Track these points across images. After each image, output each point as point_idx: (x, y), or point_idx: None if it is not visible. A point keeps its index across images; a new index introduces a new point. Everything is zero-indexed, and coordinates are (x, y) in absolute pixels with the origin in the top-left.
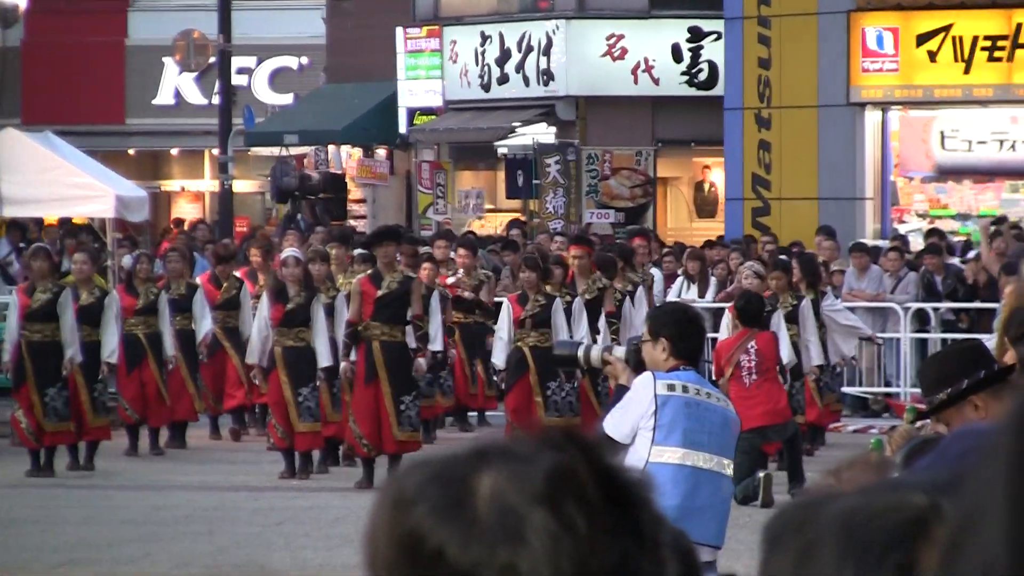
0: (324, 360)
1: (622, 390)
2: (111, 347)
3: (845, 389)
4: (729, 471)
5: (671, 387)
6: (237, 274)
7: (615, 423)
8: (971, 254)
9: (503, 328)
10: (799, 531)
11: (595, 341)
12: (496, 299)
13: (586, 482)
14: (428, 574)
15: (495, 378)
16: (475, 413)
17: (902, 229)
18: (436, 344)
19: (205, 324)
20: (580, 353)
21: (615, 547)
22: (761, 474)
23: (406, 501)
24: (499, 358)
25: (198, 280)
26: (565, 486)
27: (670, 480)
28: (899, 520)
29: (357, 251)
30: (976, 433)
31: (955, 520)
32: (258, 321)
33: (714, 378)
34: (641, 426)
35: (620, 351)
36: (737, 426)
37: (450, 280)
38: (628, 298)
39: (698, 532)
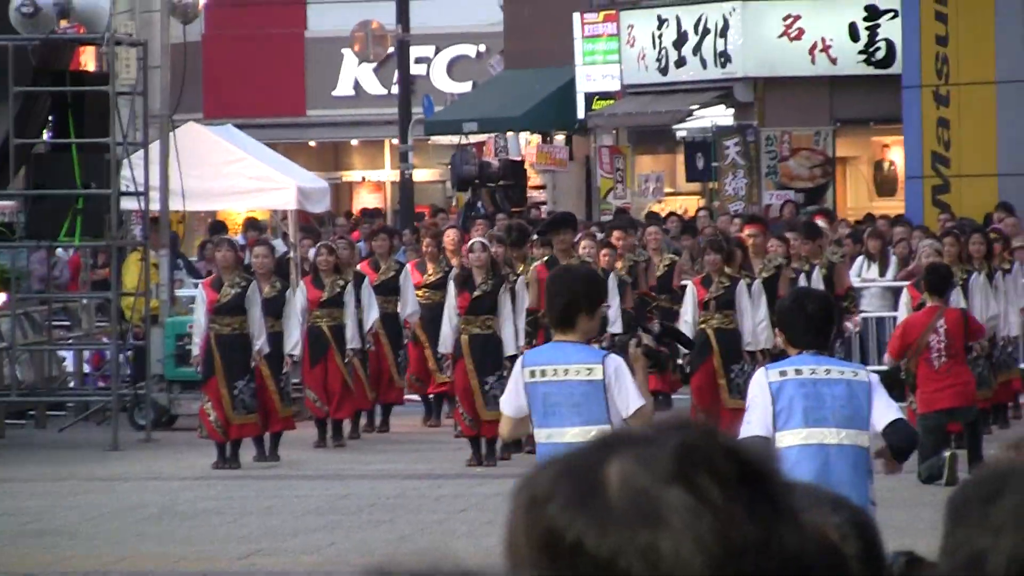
0: (511, 348)
1: None
2: (294, 339)
3: None
4: (864, 441)
5: (783, 373)
6: (400, 259)
7: (753, 425)
8: None
9: (687, 311)
10: (987, 502)
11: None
12: (683, 283)
13: (715, 456)
14: (571, 569)
15: (680, 361)
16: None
17: None
18: (616, 327)
19: (373, 313)
20: None
21: (755, 520)
22: (947, 453)
23: (539, 500)
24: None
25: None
26: (695, 461)
27: (796, 460)
28: None
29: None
30: None
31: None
32: (447, 310)
33: (889, 355)
34: (768, 420)
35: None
36: (870, 390)
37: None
38: (805, 276)
39: None
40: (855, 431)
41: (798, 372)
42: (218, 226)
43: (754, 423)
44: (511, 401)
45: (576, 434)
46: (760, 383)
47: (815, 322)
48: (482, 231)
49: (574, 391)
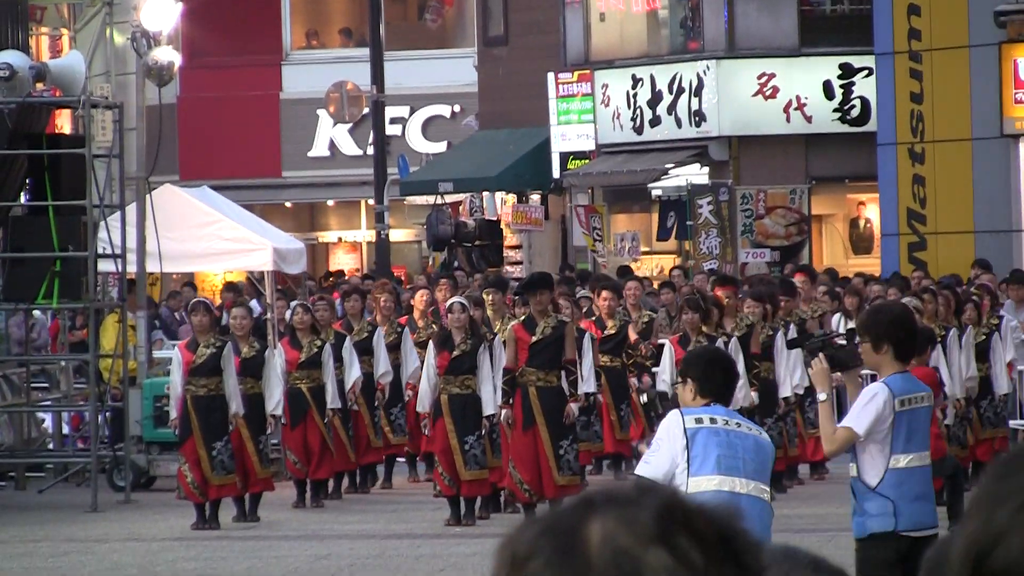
0: (490, 407)
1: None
2: (276, 399)
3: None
4: (767, 496)
5: (699, 420)
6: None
7: (652, 465)
8: None
9: (665, 370)
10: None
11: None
12: (659, 340)
13: (695, 517)
14: None
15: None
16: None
17: None
18: (589, 386)
19: (355, 372)
20: (657, 398)
21: None
22: None
23: (520, 558)
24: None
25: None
26: (676, 523)
27: None
28: None
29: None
30: None
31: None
32: (427, 369)
33: None
34: (676, 462)
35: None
36: (772, 450)
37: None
38: (785, 332)
39: None
40: (761, 484)
41: (712, 421)
42: (231, 287)
43: (653, 465)
44: (864, 422)
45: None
46: (676, 424)
47: (729, 379)
48: (447, 290)
49: (925, 417)
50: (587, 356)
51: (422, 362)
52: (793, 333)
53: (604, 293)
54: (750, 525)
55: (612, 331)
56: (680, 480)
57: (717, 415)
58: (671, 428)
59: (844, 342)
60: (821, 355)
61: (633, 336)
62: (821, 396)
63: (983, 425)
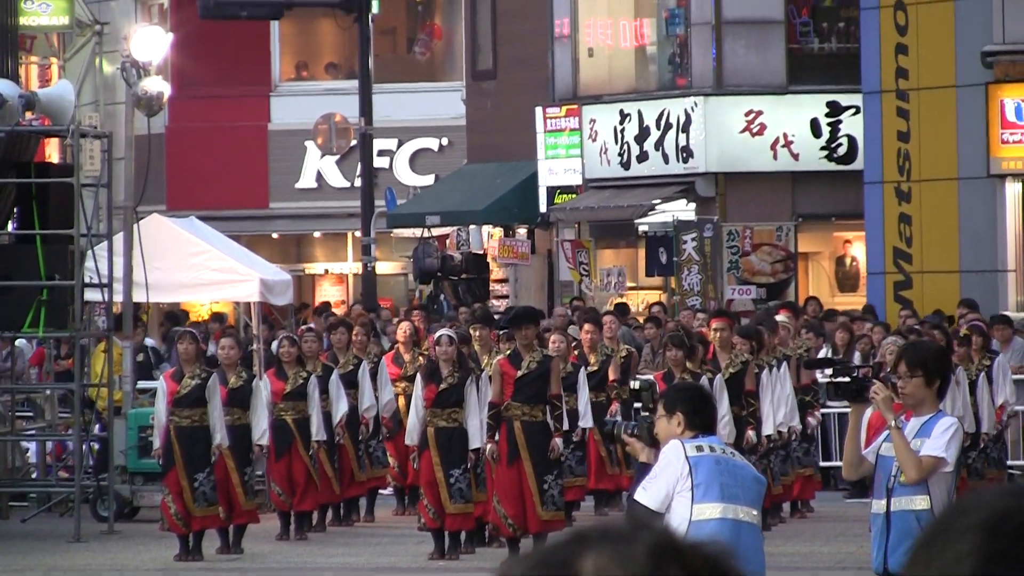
0: (476, 441)
1: (644, 467)
2: (262, 429)
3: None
4: (759, 523)
5: (700, 448)
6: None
7: (650, 493)
8: None
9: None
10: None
11: (739, 416)
12: (640, 376)
13: (686, 554)
14: None
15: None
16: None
17: None
18: (586, 421)
19: (342, 405)
20: (615, 431)
21: None
22: None
23: None
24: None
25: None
26: (668, 559)
27: (714, 534)
28: None
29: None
30: None
31: None
32: (414, 401)
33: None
34: (678, 491)
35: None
36: (763, 484)
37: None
38: (770, 370)
39: None
40: (757, 512)
41: (712, 449)
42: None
43: (651, 492)
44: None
45: None
46: (678, 453)
47: (716, 413)
48: (419, 321)
49: None
50: (582, 391)
51: (404, 396)
52: (783, 370)
53: (587, 326)
54: (743, 562)
55: (594, 367)
56: (683, 508)
57: (714, 444)
58: (671, 457)
59: (867, 372)
60: (878, 383)
61: (612, 375)
62: (891, 422)
63: (988, 465)
